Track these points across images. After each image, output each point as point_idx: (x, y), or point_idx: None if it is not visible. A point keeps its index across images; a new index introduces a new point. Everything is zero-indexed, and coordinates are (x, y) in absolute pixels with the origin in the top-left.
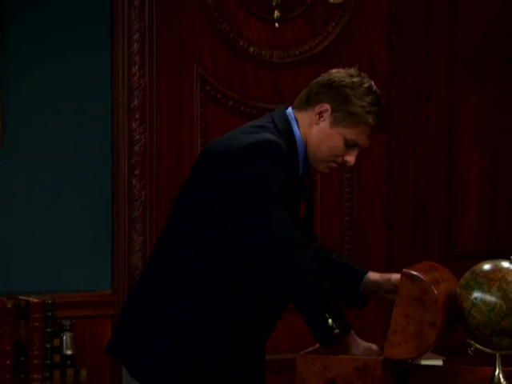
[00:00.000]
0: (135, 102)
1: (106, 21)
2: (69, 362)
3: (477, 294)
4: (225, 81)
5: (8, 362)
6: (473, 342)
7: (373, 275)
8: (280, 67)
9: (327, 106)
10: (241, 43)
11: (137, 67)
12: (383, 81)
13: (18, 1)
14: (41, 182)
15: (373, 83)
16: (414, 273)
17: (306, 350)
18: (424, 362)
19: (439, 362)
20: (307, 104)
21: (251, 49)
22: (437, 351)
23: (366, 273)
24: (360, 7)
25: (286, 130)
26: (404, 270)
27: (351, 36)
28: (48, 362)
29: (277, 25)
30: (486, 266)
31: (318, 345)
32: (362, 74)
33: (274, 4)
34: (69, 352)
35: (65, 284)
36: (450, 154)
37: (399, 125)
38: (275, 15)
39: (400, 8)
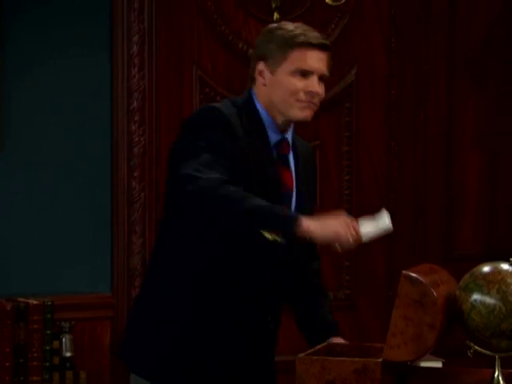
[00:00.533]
0: (135, 104)
1: (105, 23)
2: (68, 364)
3: (476, 296)
4: (224, 83)
5: (7, 364)
6: (472, 344)
7: (336, 340)
8: None
9: (259, 63)
10: (240, 45)
11: (136, 69)
12: (382, 83)
13: (18, 1)
14: (40, 183)
15: (294, 23)
16: (414, 275)
17: (306, 352)
18: (423, 364)
19: (439, 364)
20: (251, 78)
21: (251, 51)
22: (436, 353)
23: (331, 335)
24: (359, 9)
25: (246, 102)
26: (404, 271)
27: (350, 38)
28: (47, 364)
29: None
30: (486, 268)
31: (317, 346)
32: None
33: (273, 6)
34: (68, 354)
35: (64, 286)
36: (449, 155)
37: (398, 126)
38: (274, 17)
39: (399, 10)
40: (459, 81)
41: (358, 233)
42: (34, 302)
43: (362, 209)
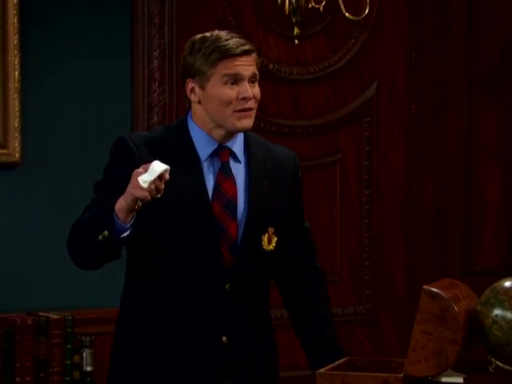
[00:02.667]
0: (155, 119)
1: (125, 38)
2: (88, 378)
3: (497, 312)
4: None
5: (28, 378)
6: (494, 359)
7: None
8: (300, 84)
9: (188, 81)
10: (260, 60)
11: (157, 84)
12: (403, 97)
13: (39, 10)
14: (61, 195)
15: (214, 32)
16: (435, 290)
17: (326, 367)
18: (444, 380)
19: (460, 380)
20: (186, 97)
21: (271, 66)
22: (457, 368)
23: (321, 364)
24: (379, 24)
25: (179, 123)
26: (424, 286)
27: (371, 52)
28: (68, 378)
29: (296, 41)
30: (507, 283)
31: (337, 362)
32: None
33: (293, 21)
34: (89, 368)
35: (84, 300)
36: (469, 170)
37: (418, 141)
38: (295, 32)
39: (419, 25)
40: (479, 95)
41: (138, 185)
42: (55, 317)
43: (383, 223)
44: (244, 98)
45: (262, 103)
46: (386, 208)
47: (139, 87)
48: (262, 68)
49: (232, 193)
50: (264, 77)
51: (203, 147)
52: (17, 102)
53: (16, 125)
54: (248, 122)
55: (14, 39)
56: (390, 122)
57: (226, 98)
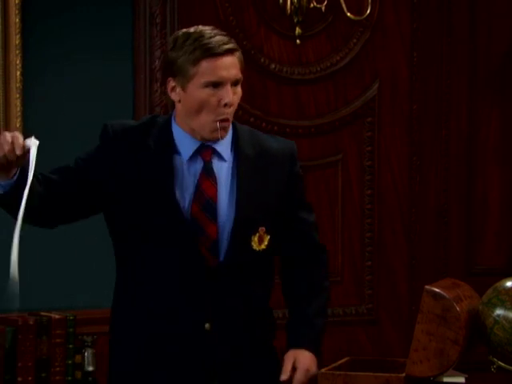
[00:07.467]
0: None
1: (127, 38)
2: (90, 378)
3: (499, 312)
4: (246, 97)
5: (30, 378)
6: (495, 359)
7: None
8: (301, 83)
9: (169, 80)
10: (262, 60)
11: (158, 84)
12: (404, 97)
13: (41, 9)
14: None
15: (198, 28)
16: (437, 290)
17: (328, 367)
18: (446, 380)
19: (461, 380)
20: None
21: (272, 65)
22: (459, 368)
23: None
24: (381, 24)
25: (163, 122)
26: (426, 286)
27: (372, 52)
28: (69, 378)
29: (298, 41)
30: (509, 283)
31: (339, 361)
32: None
33: (295, 21)
34: (90, 368)
35: (86, 300)
36: (471, 170)
37: (420, 141)
38: (296, 32)
39: (421, 25)
40: (481, 95)
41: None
42: (57, 317)
43: (384, 223)
44: (225, 104)
45: (264, 103)
46: (387, 208)
47: (141, 87)
48: (263, 68)
49: (211, 193)
50: (265, 77)
51: (185, 146)
52: (18, 102)
53: (17, 125)
54: (224, 134)
55: (15, 39)
56: (391, 122)
57: (207, 104)
